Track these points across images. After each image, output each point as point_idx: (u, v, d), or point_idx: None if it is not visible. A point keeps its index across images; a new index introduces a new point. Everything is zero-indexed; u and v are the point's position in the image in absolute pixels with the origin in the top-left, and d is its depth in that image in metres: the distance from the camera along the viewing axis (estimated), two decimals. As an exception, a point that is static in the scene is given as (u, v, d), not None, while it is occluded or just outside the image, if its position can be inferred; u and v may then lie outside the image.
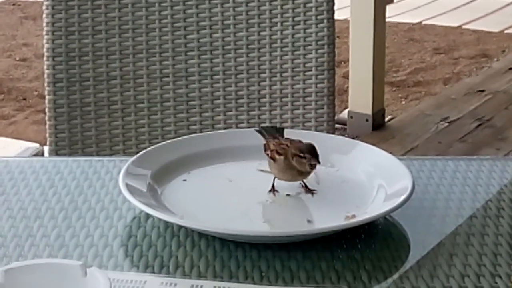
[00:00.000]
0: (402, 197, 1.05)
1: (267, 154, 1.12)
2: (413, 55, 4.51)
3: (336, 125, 1.74)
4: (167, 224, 1.06)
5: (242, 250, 1.00)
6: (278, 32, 1.60)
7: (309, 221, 1.06)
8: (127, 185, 1.08)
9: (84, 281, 0.84)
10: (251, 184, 1.15)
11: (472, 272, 0.96)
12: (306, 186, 1.11)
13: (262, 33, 1.60)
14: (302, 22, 1.59)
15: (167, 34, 1.59)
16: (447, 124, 3.52)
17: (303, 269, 0.97)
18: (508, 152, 3.24)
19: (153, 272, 0.97)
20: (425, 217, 1.09)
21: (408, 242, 1.05)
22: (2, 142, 3.55)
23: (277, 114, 1.60)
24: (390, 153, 1.18)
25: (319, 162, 1.08)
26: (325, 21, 1.59)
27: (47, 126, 1.58)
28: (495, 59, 4.41)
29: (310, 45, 1.60)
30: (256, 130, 1.19)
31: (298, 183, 1.12)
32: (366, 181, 1.14)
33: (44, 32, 1.56)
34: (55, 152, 1.57)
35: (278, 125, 1.56)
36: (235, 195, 1.13)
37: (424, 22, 5.07)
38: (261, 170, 1.16)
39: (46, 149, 1.59)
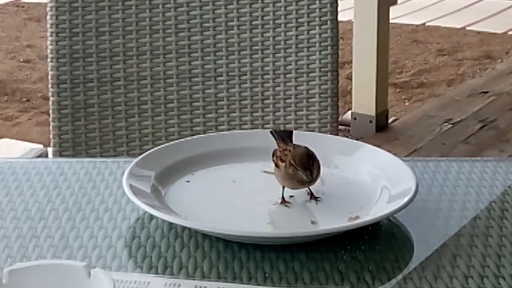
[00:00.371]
0: (406, 198, 1.05)
1: (273, 160, 1.12)
2: (416, 56, 4.51)
3: (340, 127, 1.74)
4: (171, 225, 1.06)
5: (246, 251, 1.00)
6: (282, 34, 1.60)
7: (313, 223, 1.06)
8: (131, 186, 1.08)
9: (88, 282, 0.84)
10: (255, 185, 1.15)
11: (475, 274, 0.96)
12: (311, 193, 1.11)
13: (265, 35, 1.60)
14: (305, 24, 1.60)
15: (170, 35, 1.59)
16: (450, 125, 3.52)
17: (307, 270, 0.97)
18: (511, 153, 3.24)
19: (157, 273, 0.97)
20: (429, 218, 1.09)
21: (412, 243, 1.05)
22: (6, 144, 3.55)
23: (281, 115, 1.61)
24: (394, 154, 1.18)
25: (312, 176, 1.06)
26: (329, 22, 1.59)
27: (51, 128, 1.58)
28: (499, 61, 4.41)
29: (314, 46, 1.60)
30: (270, 132, 1.18)
31: (304, 189, 1.11)
32: (369, 182, 1.14)
33: (48, 34, 1.57)
34: (59, 153, 1.57)
35: (282, 127, 1.56)
36: (239, 196, 1.13)
37: (427, 24, 5.07)
38: (265, 172, 1.16)
39: (50, 150, 1.60)
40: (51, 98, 1.57)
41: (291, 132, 1.18)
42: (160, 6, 1.59)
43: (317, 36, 1.60)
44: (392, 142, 3.37)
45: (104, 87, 1.58)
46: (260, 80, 1.60)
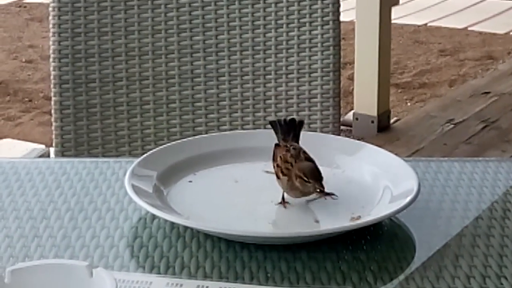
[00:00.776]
0: (408, 199, 1.05)
1: (273, 166, 1.11)
2: (418, 57, 4.51)
3: (342, 127, 1.74)
4: (173, 225, 1.06)
5: (248, 251, 1.01)
6: (284, 34, 1.60)
7: (316, 221, 1.06)
8: (133, 186, 1.09)
9: (90, 282, 0.84)
10: (257, 185, 1.15)
11: (477, 274, 0.96)
12: (321, 191, 1.10)
13: (267, 35, 1.60)
14: (307, 24, 1.60)
15: (172, 35, 1.59)
16: (452, 126, 3.52)
17: (309, 270, 0.97)
18: (513, 154, 3.24)
19: (159, 273, 0.97)
20: (431, 218, 1.09)
21: (414, 243, 1.05)
22: (8, 144, 3.55)
23: (283, 115, 1.60)
24: (396, 154, 1.18)
25: (323, 188, 1.06)
26: (331, 23, 1.59)
27: (53, 128, 1.58)
28: (501, 61, 4.41)
29: (316, 46, 1.60)
30: (271, 122, 1.17)
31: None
32: (371, 182, 1.14)
33: (50, 34, 1.57)
34: (61, 153, 1.57)
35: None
36: (241, 196, 1.13)
37: (429, 24, 5.06)
38: (267, 171, 1.16)
39: (52, 150, 1.60)
40: (53, 98, 1.58)
41: (294, 123, 1.16)
42: (162, 6, 1.59)
43: (319, 36, 1.60)
44: (393, 143, 3.37)
45: (106, 87, 1.58)
46: (262, 80, 1.61)
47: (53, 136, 1.58)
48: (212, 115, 1.61)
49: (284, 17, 1.60)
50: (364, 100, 3.49)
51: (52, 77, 1.57)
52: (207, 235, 1.04)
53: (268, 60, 1.60)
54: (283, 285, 0.94)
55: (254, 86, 1.61)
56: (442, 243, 1.03)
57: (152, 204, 1.05)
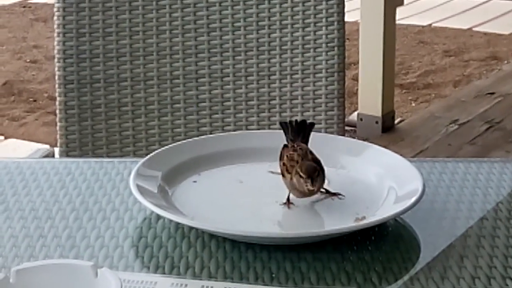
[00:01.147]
0: (413, 199, 1.05)
1: (280, 165, 1.11)
2: (423, 57, 4.51)
3: (346, 127, 1.74)
4: (177, 225, 1.06)
5: (253, 251, 1.01)
6: (289, 34, 1.60)
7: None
8: (137, 186, 1.09)
9: (95, 282, 0.84)
10: (262, 185, 1.15)
11: (482, 274, 0.96)
12: (327, 192, 1.10)
13: (272, 35, 1.60)
14: (312, 24, 1.60)
15: (177, 36, 1.59)
16: (457, 126, 3.52)
17: (314, 270, 0.97)
18: (518, 154, 3.24)
19: (164, 273, 0.97)
20: (436, 219, 1.09)
21: (419, 244, 1.05)
22: (13, 144, 3.56)
23: (287, 116, 1.60)
24: (400, 155, 1.18)
25: (313, 187, 1.06)
26: (335, 23, 1.59)
27: (57, 128, 1.58)
28: (505, 62, 4.40)
29: (320, 47, 1.60)
30: (281, 123, 1.17)
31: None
32: (376, 183, 1.14)
33: (55, 34, 1.57)
34: (66, 153, 1.57)
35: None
36: (246, 196, 1.13)
37: (434, 25, 5.06)
38: (272, 172, 1.16)
39: (56, 150, 1.60)
40: (58, 98, 1.58)
41: (305, 125, 1.16)
42: (167, 7, 1.59)
43: (323, 37, 1.60)
44: (398, 143, 3.36)
45: (111, 87, 1.58)
46: (267, 80, 1.61)
47: (58, 136, 1.58)
48: (216, 116, 1.61)
49: (289, 18, 1.60)
50: (369, 100, 3.49)
51: (56, 77, 1.57)
52: (212, 235, 1.04)
53: (272, 60, 1.60)
54: (288, 285, 0.94)
55: (258, 87, 1.61)
56: (446, 244, 1.03)
57: (157, 204, 1.05)
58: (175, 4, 1.59)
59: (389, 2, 3.41)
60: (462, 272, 0.97)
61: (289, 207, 1.09)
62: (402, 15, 4.61)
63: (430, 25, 5.06)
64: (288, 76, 1.60)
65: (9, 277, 0.84)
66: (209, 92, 1.60)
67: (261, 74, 1.60)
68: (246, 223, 1.06)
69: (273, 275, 0.96)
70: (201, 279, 0.95)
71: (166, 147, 1.22)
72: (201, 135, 1.45)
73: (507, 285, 0.94)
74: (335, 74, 1.60)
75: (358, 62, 3.57)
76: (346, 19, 1.62)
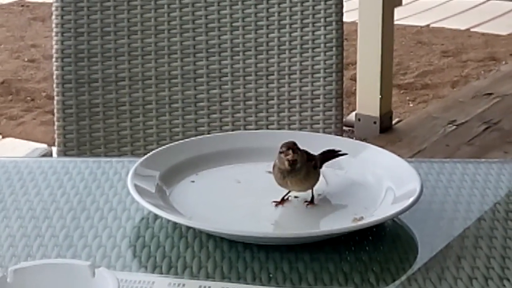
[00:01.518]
0: (411, 200, 1.05)
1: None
2: (421, 58, 4.51)
3: (344, 128, 1.74)
4: (175, 225, 1.06)
5: (250, 251, 1.01)
6: (287, 34, 1.60)
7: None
8: (135, 186, 1.09)
9: (93, 282, 0.84)
10: (259, 185, 1.15)
11: (480, 275, 0.96)
12: (312, 197, 1.10)
13: (270, 35, 1.60)
14: (310, 25, 1.60)
15: (175, 35, 1.59)
16: (454, 127, 3.52)
17: (311, 270, 0.97)
18: (516, 155, 3.24)
19: (161, 273, 0.97)
20: (433, 219, 1.09)
21: (416, 244, 1.05)
22: (11, 143, 3.55)
23: (285, 116, 1.61)
24: (398, 155, 1.18)
25: (293, 157, 1.05)
26: (334, 23, 1.59)
27: (55, 127, 1.58)
28: (503, 62, 4.40)
29: (319, 47, 1.60)
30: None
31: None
32: (374, 183, 1.14)
33: (53, 33, 1.57)
34: (64, 153, 1.57)
35: (287, 128, 1.56)
36: (243, 196, 1.13)
37: (432, 25, 5.06)
38: (269, 172, 1.16)
39: (54, 150, 1.60)
40: (55, 98, 1.58)
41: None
42: (166, 6, 1.59)
43: (322, 37, 1.60)
44: (396, 143, 3.37)
45: (109, 87, 1.58)
46: (265, 80, 1.61)
47: (56, 136, 1.58)
48: (214, 115, 1.61)
49: (287, 18, 1.60)
50: (367, 101, 3.49)
51: (54, 76, 1.57)
52: (210, 235, 1.04)
53: (271, 60, 1.60)
54: (285, 285, 0.94)
55: (256, 87, 1.61)
56: (444, 244, 1.03)
57: (154, 204, 1.05)
58: (174, 4, 1.59)
59: (387, 2, 3.41)
60: (460, 273, 0.97)
61: (281, 205, 1.09)
62: (400, 16, 4.61)
63: (428, 25, 5.06)
64: (287, 76, 1.60)
65: (7, 276, 0.84)
66: (207, 92, 1.60)
67: (260, 74, 1.60)
68: (244, 223, 1.06)
69: (271, 275, 0.96)
70: (198, 279, 0.95)
71: (164, 146, 1.22)
72: (199, 135, 1.45)
73: (504, 285, 0.94)
74: (333, 74, 1.60)
75: (356, 62, 3.57)
76: (345, 19, 1.62)
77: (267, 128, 1.59)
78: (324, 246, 1.01)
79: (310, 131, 1.59)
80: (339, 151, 1.14)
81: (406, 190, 1.08)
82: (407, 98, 3.99)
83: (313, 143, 1.16)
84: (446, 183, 1.18)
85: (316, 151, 1.12)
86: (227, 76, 1.60)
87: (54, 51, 1.57)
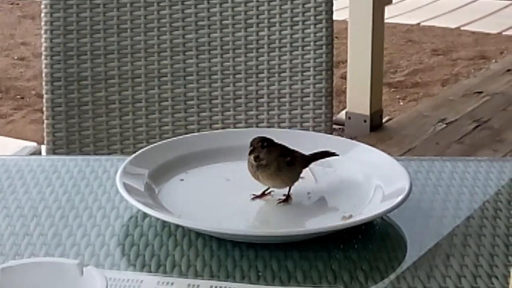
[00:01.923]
0: (400, 198, 1.05)
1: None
2: (411, 56, 4.52)
3: (334, 126, 1.74)
4: (164, 223, 1.06)
5: (239, 249, 1.00)
6: (277, 32, 1.60)
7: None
8: (124, 184, 1.08)
9: (81, 280, 0.84)
10: (249, 183, 1.15)
11: (468, 273, 0.96)
12: (287, 195, 1.10)
13: (260, 33, 1.60)
14: (300, 23, 1.60)
15: (165, 33, 1.59)
16: (444, 125, 3.52)
17: (300, 269, 0.97)
18: (505, 153, 3.25)
19: (150, 272, 0.97)
20: (422, 217, 1.09)
21: (405, 242, 1.05)
22: (0, 141, 3.54)
23: (275, 114, 1.60)
24: (388, 154, 1.18)
25: (255, 148, 1.07)
26: (324, 21, 1.59)
27: (44, 125, 1.58)
28: (493, 61, 4.42)
29: (309, 45, 1.60)
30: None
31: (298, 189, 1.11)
32: (363, 181, 1.14)
33: (43, 31, 1.56)
34: (53, 151, 1.57)
35: (276, 126, 1.56)
36: (233, 194, 1.13)
37: (422, 24, 5.07)
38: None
39: (43, 148, 1.59)
40: (45, 96, 1.57)
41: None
42: (155, 4, 1.58)
43: (312, 35, 1.59)
44: (386, 142, 3.37)
45: (99, 85, 1.58)
46: (255, 79, 1.60)
47: (45, 134, 1.58)
48: (204, 114, 1.60)
49: (277, 16, 1.60)
50: (357, 99, 3.49)
51: (44, 74, 1.57)
52: (199, 234, 1.04)
53: (260, 58, 1.60)
54: (274, 284, 0.94)
55: (246, 85, 1.60)
56: (433, 243, 1.03)
57: (143, 203, 1.05)
58: (163, 2, 1.59)
59: (378, 0, 3.41)
60: (448, 271, 0.97)
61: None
62: (391, 14, 4.62)
63: (418, 24, 5.07)
64: (276, 74, 1.60)
65: (-6, 275, 0.84)
66: (197, 90, 1.60)
67: (249, 72, 1.60)
68: (233, 221, 1.06)
69: (260, 274, 0.96)
70: (187, 278, 0.95)
71: (153, 145, 1.22)
72: (188, 133, 1.45)
73: (493, 283, 0.95)
74: (323, 73, 1.60)
75: (346, 61, 3.58)
76: (335, 17, 1.62)
77: (257, 127, 1.59)
78: (313, 244, 1.01)
79: (300, 129, 1.59)
80: (334, 153, 1.14)
81: (395, 188, 1.08)
82: (398, 96, 3.99)
83: (303, 141, 1.16)
84: (435, 182, 1.18)
85: (305, 149, 1.12)
86: (216, 74, 1.60)
87: (43, 49, 1.56)
